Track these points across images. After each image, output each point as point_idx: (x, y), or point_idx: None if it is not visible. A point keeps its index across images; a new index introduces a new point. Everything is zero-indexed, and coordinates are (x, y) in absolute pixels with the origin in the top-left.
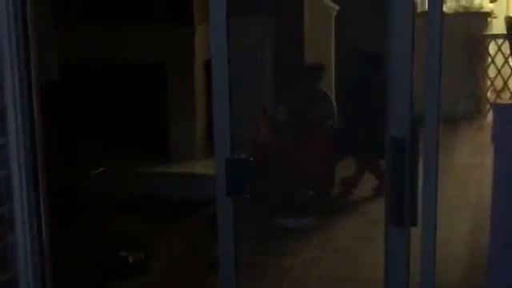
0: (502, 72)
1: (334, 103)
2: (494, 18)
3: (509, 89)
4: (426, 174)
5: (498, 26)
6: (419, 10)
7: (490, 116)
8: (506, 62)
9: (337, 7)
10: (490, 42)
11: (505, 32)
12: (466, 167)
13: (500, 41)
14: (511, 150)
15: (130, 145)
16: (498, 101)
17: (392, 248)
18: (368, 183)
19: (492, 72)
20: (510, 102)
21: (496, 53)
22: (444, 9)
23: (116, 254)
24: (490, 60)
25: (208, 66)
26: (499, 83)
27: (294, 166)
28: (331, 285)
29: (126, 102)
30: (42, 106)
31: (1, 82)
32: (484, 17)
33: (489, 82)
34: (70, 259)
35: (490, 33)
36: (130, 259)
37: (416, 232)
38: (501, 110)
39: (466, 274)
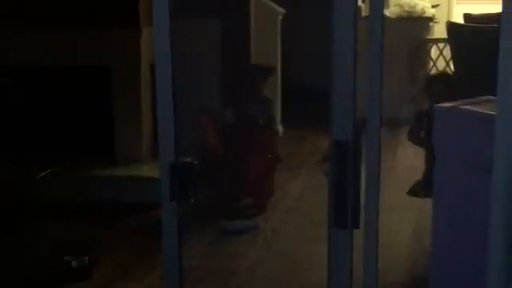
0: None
1: (273, 108)
2: (436, 22)
3: None
4: (369, 177)
5: (439, 31)
6: (364, 14)
7: None
8: (447, 65)
9: (283, 11)
10: (431, 47)
11: (446, 36)
12: (408, 169)
13: (441, 45)
14: (451, 149)
15: (76, 148)
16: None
17: (335, 250)
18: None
19: None
20: (449, 104)
21: (438, 57)
22: (387, 13)
23: (60, 258)
24: (431, 64)
25: (154, 68)
26: None
27: (235, 169)
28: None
29: (72, 104)
30: None
31: None
32: (426, 22)
33: None
34: (14, 264)
35: (431, 37)
36: (74, 264)
37: (359, 233)
38: (441, 112)
39: (409, 275)
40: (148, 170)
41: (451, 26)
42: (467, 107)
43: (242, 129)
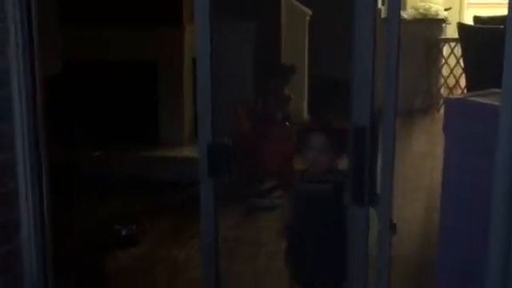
0: (454, 71)
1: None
2: (448, 24)
3: (460, 86)
4: (384, 159)
5: (451, 31)
6: (383, 15)
7: (443, 110)
8: (458, 62)
9: (310, 12)
10: (444, 45)
11: (456, 36)
12: (421, 154)
13: (452, 44)
14: (459, 138)
15: (126, 133)
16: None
17: (353, 224)
18: None
19: (445, 71)
20: (459, 96)
21: (449, 55)
22: (404, 15)
23: (111, 227)
24: (443, 61)
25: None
26: (452, 81)
27: (257, 155)
28: None
29: (123, 94)
30: (45, 96)
31: (7, 74)
32: (439, 23)
33: (442, 80)
34: (70, 232)
35: (444, 37)
36: (123, 232)
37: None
38: (451, 103)
39: (419, 248)
40: (188, 151)
41: (462, 27)
42: (474, 98)
43: (264, 121)
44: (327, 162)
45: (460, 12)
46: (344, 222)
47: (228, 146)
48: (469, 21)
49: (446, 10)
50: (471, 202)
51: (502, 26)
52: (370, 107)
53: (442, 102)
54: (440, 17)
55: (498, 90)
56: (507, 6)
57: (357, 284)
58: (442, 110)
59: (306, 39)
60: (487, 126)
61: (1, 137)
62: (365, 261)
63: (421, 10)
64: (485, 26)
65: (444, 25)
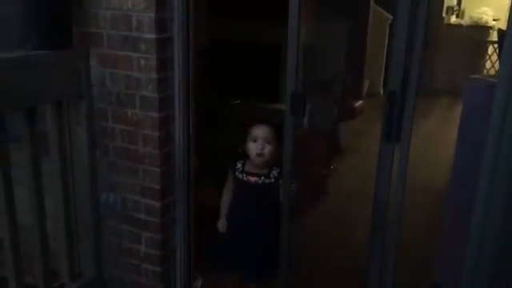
0: (494, 65)
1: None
2: (494, 30)
3: None
4: (407, 111)
5: (495, 36)
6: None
7: None
8: (498, 58)
9: (391, 17)
10: (489, 46)
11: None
12: (456, 118)
13: (496, 45)
14: (474, 105)
15: (255, 91)
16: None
17: (383, 155)
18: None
19: (488, 65)
20: (476, 76)
21: (492, 53)
22: (462, 22)
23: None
24: (487, 57)
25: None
26: (492, 72)
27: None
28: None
29: (254, 65)
30: (197, 63)
31: (172, 45)
32: (487, 29)
33: (485, 71)
34: (210, 151)
35: (489, 39)
36: (239, 150)
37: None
38: (469, 80)
39: (434, 180)
40: None
41: (500, 32)
42: (486, 78)
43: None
44: (269, 155)
45: (507, 22)
46: (274, 218)
47: (304, 95)
48: None
49: (494, 20)
50: (477, 148)
51: None
52: (400, 77)
53: None
54: (489, 24)
55: None
56: None
57: (381, 197)
58: None
59: (387, 38)
60: (491, 97)
61: (168, 81)
62: (388, 182)
63: (474, 19)
64: None
65: (491, 31)
